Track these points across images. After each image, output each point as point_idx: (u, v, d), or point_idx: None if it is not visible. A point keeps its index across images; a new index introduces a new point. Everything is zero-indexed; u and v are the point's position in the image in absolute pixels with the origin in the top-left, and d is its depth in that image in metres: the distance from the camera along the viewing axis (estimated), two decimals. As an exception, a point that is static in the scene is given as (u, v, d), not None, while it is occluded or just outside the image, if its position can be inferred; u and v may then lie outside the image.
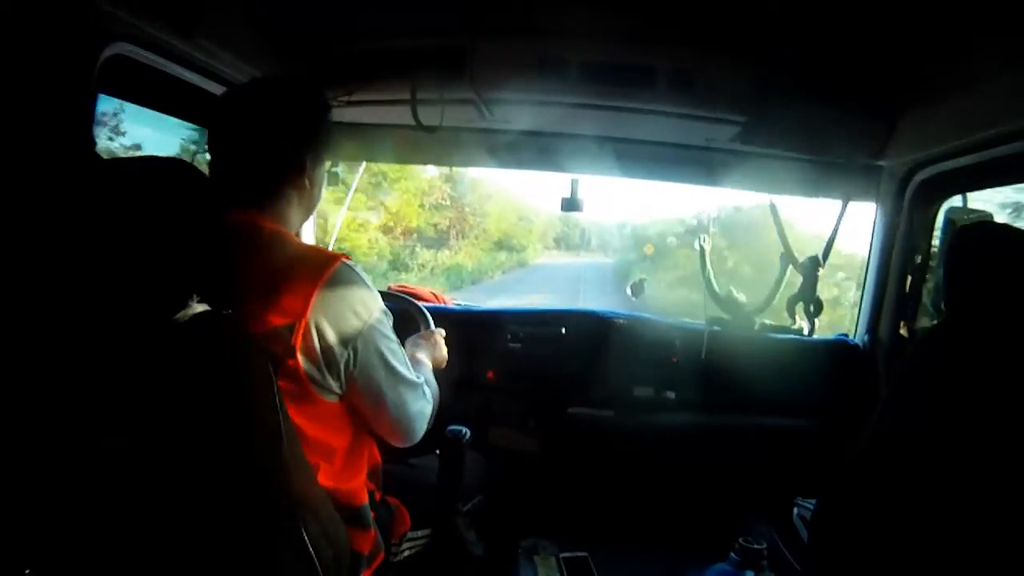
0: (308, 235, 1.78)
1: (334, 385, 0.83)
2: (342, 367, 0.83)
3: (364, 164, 2.00)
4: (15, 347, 0.66)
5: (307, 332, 0.78)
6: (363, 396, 0.87)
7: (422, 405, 0.96)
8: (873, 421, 0.79)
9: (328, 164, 1.72)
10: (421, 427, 0.97)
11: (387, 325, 0.89)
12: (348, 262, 0.84)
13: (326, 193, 1.87)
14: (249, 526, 0.72)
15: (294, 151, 0.88)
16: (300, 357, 0.78)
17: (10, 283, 0.70)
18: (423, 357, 1.15)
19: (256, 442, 0.72)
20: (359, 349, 0.83)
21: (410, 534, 1.09)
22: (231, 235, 0.80)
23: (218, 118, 0.90)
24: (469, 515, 1.28)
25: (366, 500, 0.94)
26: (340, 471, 0.89)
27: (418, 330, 1.32)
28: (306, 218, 0.96)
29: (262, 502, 0.73)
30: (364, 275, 0.86)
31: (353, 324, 0.82)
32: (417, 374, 0.96)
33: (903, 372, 0.78)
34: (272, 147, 0.87)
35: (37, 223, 0.73)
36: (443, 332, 1.30)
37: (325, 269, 0.80)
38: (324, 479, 0.85)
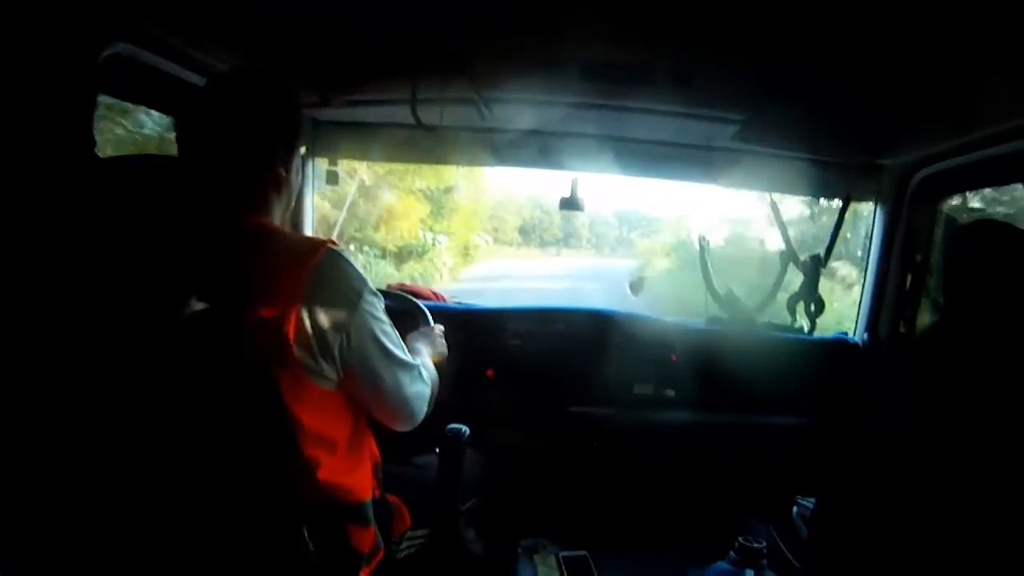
0: (307, 231, 1.78)
1: (330, 372, 0.83)
2: (336, 352, 0.83)
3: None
4: (16, 346, 0.67)
5: (299, 320, 0.78)
6: (360, 380, 0.87)
7: (420, 387, 0.96)
8: (872, 419, 0.79)
9: (327, 162, 1.74)
10: (420, 409, 0.97)
11: (378, 307, 0.89)
12: (334, 247, 0.84)
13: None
14: (248, 523, 0.73)
15: (263, 146, 0.88)
16: (294, 346, 0.78)
17: (10, 282, 0.70)
18: (422, 347, 1.16)
19: (256, 440, 0.72)
20: (352, 333, 0.83)
21: (410, 533, 1.09)
22: (222, 231, 0.80)
23: (185, 116, 0.89)
24: (469, 514, 1.28)
25: (368, 497, 0.94)
26: (342, 464, 0.89)
27: (418, 328, 1.32)
28: (287, 207, 0.95)
29: (261, 499, 0.73)
30: (352, 259, 0.86)
31: (344, 308, 0.82)
32: (413, 356, 0.97)
33: (903, 371, 0.78)
34: (240, 144, 0.86)
35: (37, 222, 0.73)
36: (442, 328, 1.31)
37: (312, 256, 0.80)
38: (326, 474, 0.85)
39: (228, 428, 0.71)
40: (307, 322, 0.79)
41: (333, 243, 0.84)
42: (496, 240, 12.72)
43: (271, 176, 0.89)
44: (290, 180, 0.92)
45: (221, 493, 0.71)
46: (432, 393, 1.02)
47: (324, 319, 0.80)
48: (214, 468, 0.70)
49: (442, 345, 1.27)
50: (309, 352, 0.80)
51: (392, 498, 1.06)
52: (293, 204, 0.98)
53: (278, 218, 0.92)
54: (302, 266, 0.79)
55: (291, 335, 0.78)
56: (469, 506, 1.28)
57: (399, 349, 0.92)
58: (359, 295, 0.84)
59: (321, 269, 0.80)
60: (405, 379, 0.93)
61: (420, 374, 0.97)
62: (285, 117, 0.91)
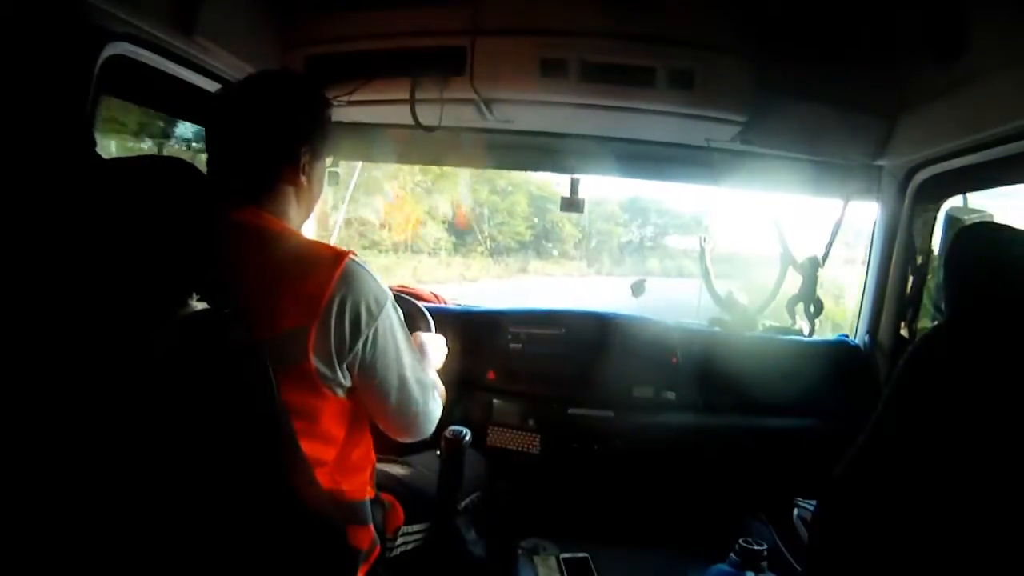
0: (308, 233, 1.77)
1: (345, 382, 0.84)
2: (356, 364, 0.84)
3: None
4: (14, 346, 0.66)
5: (320, 332, 0.79)
6: (374, 391, 0.88)
7: (434, 407, 0.97)
8: (873, 422, 0.78)
9: (328, 163, 1.74)
10: (427, 425, 0.98)
11: (397, 320, 0.89)
12: (355, 258, 0.84)
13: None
14: (247, 525, 0.72)
15: (288, 146, 0.88)
16: (313, 357, 0.79)
17: (10, 282, 0.70)
18: (429, 359, 1.15)
19: (254, 441, 0.72)
20: (371, 346, 0.84)
21: (404, 528, 1.09)
22: (232, 232, 0.80)
23: (212, 114, 0.90)
24: (467, 511, 1.28)
25: (366, 497, 0.94)
26: (343, 467, 0.89)
27: (418, 330, 1.32)
28: (306, 216, 0.96)
29: (260, 501, 0.73)
30: (371, 270, 0.86)
31: (365, 321, 0.83)
32: (430, 372, 0.98)
33: (903, 373, 0.78)
34: (264, 142, 0.87)
35: (37, 223, 0.73)
36: (442, 339, 1.28)
37: (335, 268, 0.81)
38: (328, 477, 0.86)
39: (225, 432, 0.71)
40: (329, 334, 0.80)
41: (353, 254, 0.84)
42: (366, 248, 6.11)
43: (294, 183, 0.89)
44: (311, 190, 0.93)
45: (219, 496, 0.70)
46: (439, 412, 1.02)
47: (345, 331, 0.81)
48: (211, 472, 0.70)
49: (443, 355, 1.25)
50: (327, 363, 0.81)
51: (385, 496, 1.06)
52: (311, 213, 0.98)
53: (296, 226, 0.92)
54: (325, 278, 0.80)
55: (311, 346, 0.79)
56: (467, 503, 1.28)
57: (416, 362, 0.93)
58: (380, 307, 0.85)
59: (344, 282, 0.81)
60: (417, 392, 0.93)
61: (435, 394, 0.98)
62: (315, 126, 0.92)
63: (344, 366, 0.82)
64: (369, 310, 0.83)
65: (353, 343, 0.82)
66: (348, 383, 0.85)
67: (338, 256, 0.82)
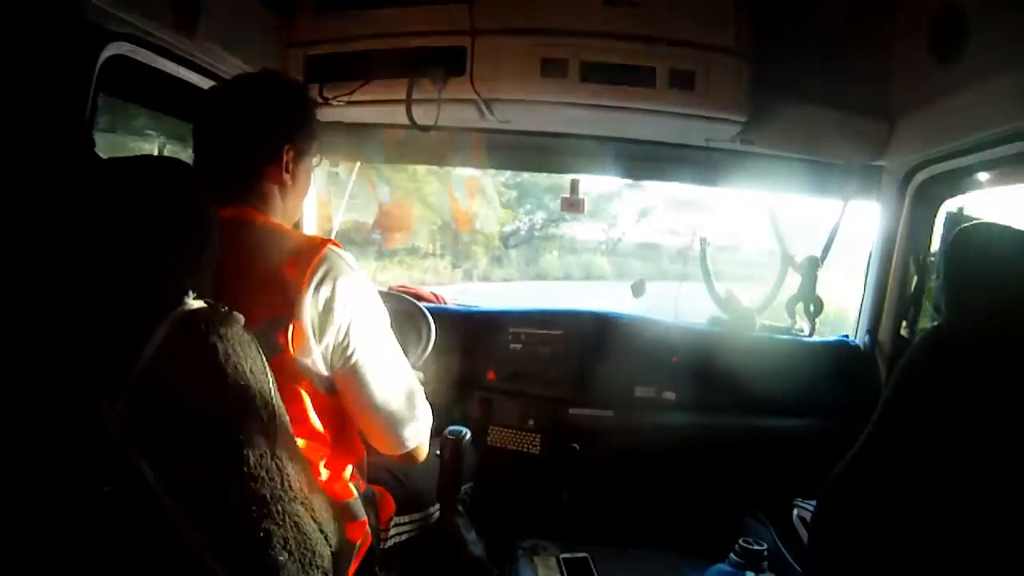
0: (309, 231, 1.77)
1: (325, 376, 0.83)
2: (331, 358, 0.82)
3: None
4: (11, 344, 0.66)
5: (298, 324, 0.78)
6: (353, 389, 0.86)
7: (423, 412, 0.94)
8: (873, 422, 0.79)
9: (323, 162, 1.74)
10: (411, 436, 0.93)
11: (378, 314, 0.88)
12: (335, 248, 0.83)
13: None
14: (246, 522, 0.72)
15: (268, 145, 0.88)
16: (292, 349, 0.79)
17: (8, 281, 0.70)
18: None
19: (253, 437, 0.72)
20: (346, 335, 0.83)
21: (396, 519, 1.09)
22: (220, 229, 0.80)
23: (198, 114, 0.91)
24: (463, 503, 1.28)
25: (355, 495, 0.94)
26: (333, 465, 0.89)
27: (418, 330, 1.32)
28: (293, 214, 0.95)
29: (259, 498, 0.73)
30: (353, 261, 0.85)
31: (344, 313, 0.82)
32: (413, 379, 0.95)
33: (904, 372, 0.78)
34: (244, 141, 0.87)
35: (35, 222, 0.73)
36: (422, 375, 1.25)
37: (314, 256, 0.80)
38: (317, 474, 0.85)
39: (224, 429, 0.71)
40: (307, 325, 0.79)
41: (335, 244, 0.84)
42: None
43: (278, 182, 0.89)
44: (296, 189, 0.92)
45: (218, 493, 0.70)
46: (427, 430, 0.97)
47: (323, 323, 0.80)
48: (210, 469, 0.70)
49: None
50: (306, 355, 0.80)
51: (375, 487, 1.06)
52: (299, 212, 0.98)
53: (281, 221, 0.92)
54: (302, 268, 0.79)
55: (290, 337, 0.78)
56: (461, 494, 1.28)
57: (406, 368, 0.91)
58: (358, 296, 0.84)
59: (321, 271, 0.80)
60: (403, 395, 0.90)
61: (420, 403, 0.94)
62: (299, 125, 0.91)
63: (324, 362, 0.82)
64: (345, 298, 0.82)
65: (327, 327, 0.80)
66: (327, 373, 0.83)
67: (319, 244, 0.82)
